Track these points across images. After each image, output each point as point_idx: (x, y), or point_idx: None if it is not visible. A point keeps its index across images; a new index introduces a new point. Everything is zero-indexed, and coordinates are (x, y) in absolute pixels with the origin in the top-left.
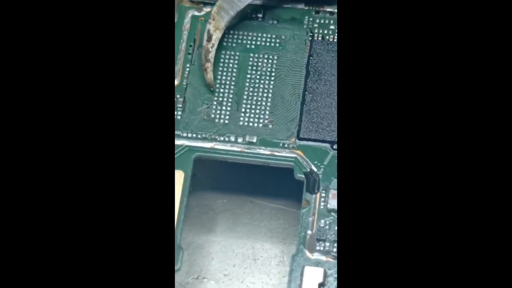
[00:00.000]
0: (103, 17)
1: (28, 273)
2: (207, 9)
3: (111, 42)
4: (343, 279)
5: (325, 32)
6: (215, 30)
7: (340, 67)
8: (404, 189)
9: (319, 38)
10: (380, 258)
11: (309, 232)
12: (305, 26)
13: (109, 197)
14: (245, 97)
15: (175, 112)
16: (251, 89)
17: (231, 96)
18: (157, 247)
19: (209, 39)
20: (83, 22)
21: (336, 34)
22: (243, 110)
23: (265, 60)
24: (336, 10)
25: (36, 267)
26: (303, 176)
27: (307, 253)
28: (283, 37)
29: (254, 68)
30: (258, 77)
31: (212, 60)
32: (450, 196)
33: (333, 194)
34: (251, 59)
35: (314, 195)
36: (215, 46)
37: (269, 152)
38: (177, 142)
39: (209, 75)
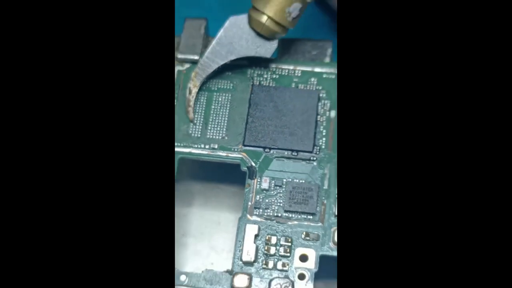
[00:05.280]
0: (108, 62)
1: (23, 281)
2: (187, 65)
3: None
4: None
5: (261, 79)
6: (194, 87)
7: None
8: (404, 198)
9: (257, 83)
10: (378, 263)
11: (249, 203)
12: (248, 76)
13: (103, 214)
14: (211, 120)
15: None
16: (214, 115)
17: (202, 119)
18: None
19: (190, 92)
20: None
21: (269, 81)
22: (209, 128)
23: (223, 97)
24: (269, 65)
25: (32, 279)
26: (246, 168)
27: (248, 216)
28: (234, 82)
29: (217, 102)
30: (218, 107)
31: (192, 106)
32: (447, 197)
33: (264, 179)
34: (214, 96)
35: (252, 180)
36: (194, 97)
37: (225, 154)
38: None
39: (191, 115)
